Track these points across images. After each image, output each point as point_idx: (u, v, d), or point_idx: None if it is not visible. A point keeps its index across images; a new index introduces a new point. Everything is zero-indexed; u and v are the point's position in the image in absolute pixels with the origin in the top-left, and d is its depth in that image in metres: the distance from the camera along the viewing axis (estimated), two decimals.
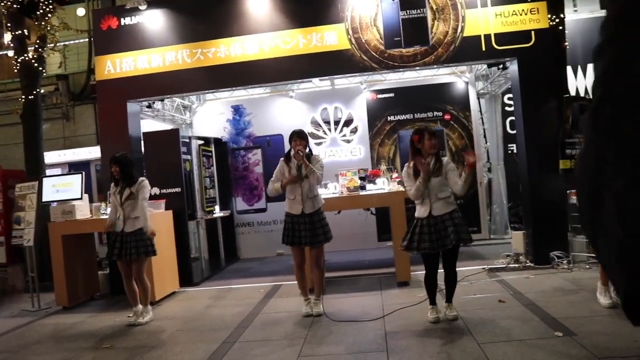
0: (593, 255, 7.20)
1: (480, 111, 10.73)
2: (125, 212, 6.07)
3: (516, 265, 7.53)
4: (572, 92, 9.13)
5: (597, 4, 11.47)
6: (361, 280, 7.55)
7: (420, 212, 5.12)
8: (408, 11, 7.89)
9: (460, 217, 5.12)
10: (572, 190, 7.09)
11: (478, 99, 10.63)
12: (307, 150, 5.73)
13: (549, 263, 7.31)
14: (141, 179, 6.20)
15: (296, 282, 6.05)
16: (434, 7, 7.88)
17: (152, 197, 8.06)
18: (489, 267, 7.49)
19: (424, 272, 5.25)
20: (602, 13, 11.10)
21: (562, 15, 8.43)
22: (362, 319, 5.47)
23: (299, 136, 5.67)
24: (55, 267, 7.47)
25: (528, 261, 7.56)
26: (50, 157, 11.35)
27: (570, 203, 7.11)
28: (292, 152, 5.67)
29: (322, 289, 5.99)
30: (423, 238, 5.01)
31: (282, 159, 5.84)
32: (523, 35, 7.73)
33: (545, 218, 7.51)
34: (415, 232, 5.07)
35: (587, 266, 7.04)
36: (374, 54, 7.92)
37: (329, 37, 8.01)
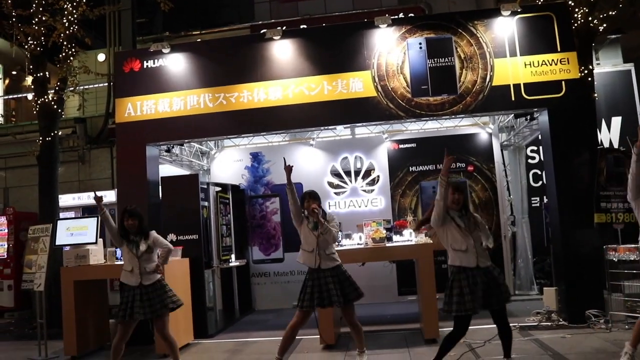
0: (632, 314, 6.83)
1: (504, 163, 10.50)
2: (142, 265, 5.56)
3: (549, 323, 7.14)
4: None
5: (619, 57, 11.40)
6: (385, 336, 7.16)
7: (465, 260, 4.79)
8: (435, 59, 7.78)
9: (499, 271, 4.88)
10: (610, 246, 6.76)
11: (501, 150, 10.41)
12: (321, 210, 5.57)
13: (584, 322, 6.92)
14: (152, 232, 5.75)
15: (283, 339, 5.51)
16: (462, 55, 7.76)
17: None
18: (519, 325, 7.10)
19: (452, 330, 4.90)
20: (624, 67, 11.01)
21: (590, 67, 8.31)
22: None
23: (311, 196, 5.57)
24: (66, 314, 7.13)
25: (561, 319, 7.17)
26: (64, 200, 11.16)
27: (608, 259, 6.75)
28: (307, 212, 5.52)
29: (363, 343, 5.57)
30: (475, 294, 4.67)
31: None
32: (553, 86, 7.55)
33: (579, 274, 7.15)
34: (465, 285, 4.74)
35: (627, 326, 6.63)
36: (401, 102, 7.76)
37: (354, 84, 7.87)
